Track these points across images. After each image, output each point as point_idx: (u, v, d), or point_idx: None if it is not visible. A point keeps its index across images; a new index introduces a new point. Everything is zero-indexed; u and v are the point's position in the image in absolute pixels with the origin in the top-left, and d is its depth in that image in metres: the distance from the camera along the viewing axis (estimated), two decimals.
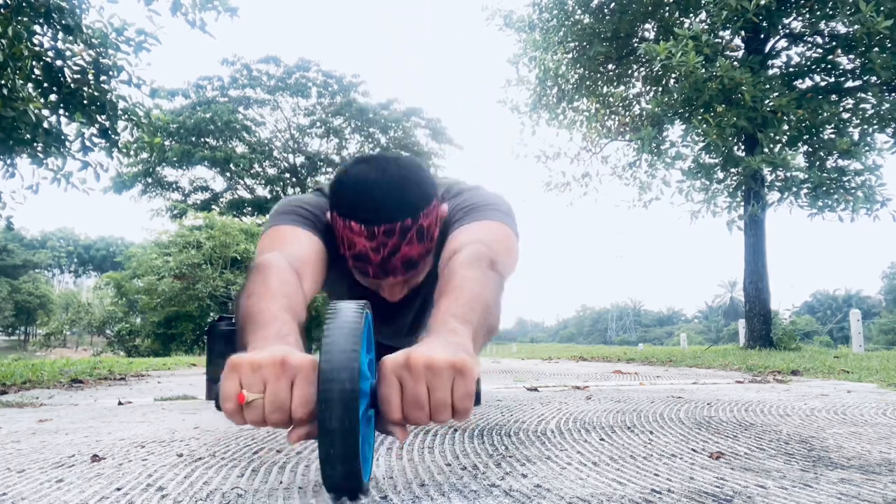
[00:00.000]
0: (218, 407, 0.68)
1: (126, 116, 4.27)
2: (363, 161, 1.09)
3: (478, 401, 0.70)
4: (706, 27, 6.83)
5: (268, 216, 1.27)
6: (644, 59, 7.91)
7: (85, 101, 3.97)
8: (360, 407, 0.62)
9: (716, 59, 6.25)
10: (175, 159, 25.63)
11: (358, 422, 0.62)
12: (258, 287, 0.92)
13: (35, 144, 3.81)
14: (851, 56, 6.99)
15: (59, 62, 3.88)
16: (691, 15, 7.83)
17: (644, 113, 8.59)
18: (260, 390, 0.67)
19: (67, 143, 4.03)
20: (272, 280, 0.94)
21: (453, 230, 1.11)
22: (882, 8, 5.72)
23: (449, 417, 0.68)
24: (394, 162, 1.08)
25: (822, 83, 7.38)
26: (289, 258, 1.03)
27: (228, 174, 28.40)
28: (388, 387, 0.68)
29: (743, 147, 7.49)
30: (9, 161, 3.93)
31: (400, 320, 1.37)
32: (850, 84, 7.20)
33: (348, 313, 0.70)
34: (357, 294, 1.27)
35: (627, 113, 9.14)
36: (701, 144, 7.11)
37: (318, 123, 27.15)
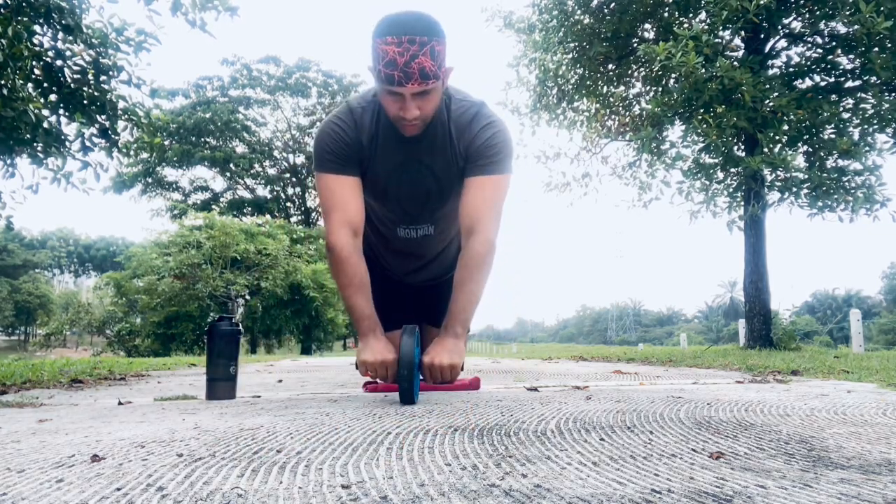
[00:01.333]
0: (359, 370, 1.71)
1: (126, 116, 4.27)
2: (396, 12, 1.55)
3: (462, 369, 1.71)
4: (706, 27, 6.83)
5: (313, 154, 1.76)
6: (644, 60, 7.91)
7: (85, 101, 3.97)
8: (414, 376, 1.59)
9: (716, 59, 6.25)
10: (175, 159, 25.65)
11: (413, 381, 1.59)
12: (343, 277, 1.70)
13: (35, 144, 3.82)
14: (851, 56, 6.99)
15: (59, 62, 3.89)
16: (691, 15, 7.83)
17: (644, 113, 8.60)
18: (381, 376, 1.67)
19: (67, 143, 4.03)
20: (351, 270, 1.69)
21: (471, 173, 1.69)
22: (882, 8, 5.72)
23: (447, 380, 1.68)
24: (416, 10, 1.52)
25: (822, 83, 7.38)
26: (349, 226, 1.69)
27: (228, 174, 28.40)
28: (424, 370, 1.67)
29: (743, 147, 7.49)
30: (9, 161, 3.93)
31: (419, 178, 1.77)
32: (850, 84, 7.20)
33: (412, 332, 1.61)
34: (385, 150, 1.72)
35: (627, 113, 9.14)
36: (701, 145, 7.12)
37: (318, 123, 27.13)
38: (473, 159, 1.68)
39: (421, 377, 1.69)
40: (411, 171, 1.75)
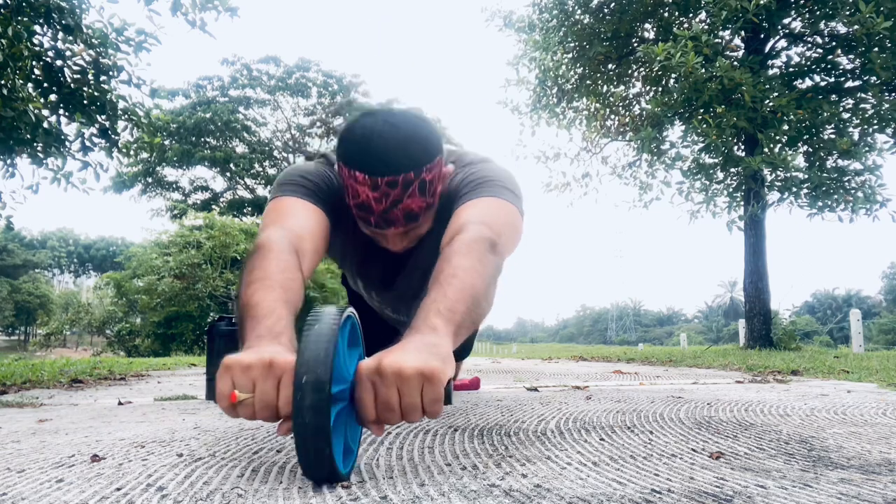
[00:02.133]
0: (211, 399, 0.79)
1: (126, 116, 4.27)
2: (370, 113, 1.11)
3: (448, 400, 0.80)
4: (706, 27, 6.83)
5: (271, 187, 1.29)
6: (644, 60, 7.92)
7: (85, 101, 3.97)
8: (329, 408, 0.68)
9: (715, 59, 6.25)
10: (175, 159, 25.65)
11: (326, 422, 0.68)
12: (257, 273, 0.96)
13: (35, 144, 3.81)
14: (851, 56, 6.99)
15: (59, 62, 3.88)
16: (691, 15, 7.83)
17: (644, 113, 8.60)
18: (250, 390, 0.74)
19: (67, 143, 4.03)
20: (272, 266, 0.98)
21: (460, 203, 1.14)
22: (882, 8, 5.72)
23: (419, 418, 0.75)
24: (400, 115, 1.11)
25: (822, 83, 7.38)
26: (289, 234, 1.08)
27: (228, 174, 28.42)
28: (362, 390, 0.75)
29: (743, 147, 7.50)
30: (9, 161, 3.93)
31: (405, 279, 1.39)
32: (850, 84, 7.20)
33: (327, 318, 0.75)
34: (363, 253, 1.35)
35: (627, 113, 9.14)
36: (701, 145, 7.12)
37: (318, 123, 27.16)
38: (458, 194, 1.18)
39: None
40: (396, 279, 1.39)
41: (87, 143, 4.15)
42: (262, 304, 0.90)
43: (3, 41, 3.32)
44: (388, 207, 1.08)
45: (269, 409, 0.74)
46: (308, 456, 0.70)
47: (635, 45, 8.25)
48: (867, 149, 6.60)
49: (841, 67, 7.20)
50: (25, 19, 3.49)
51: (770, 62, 7.68)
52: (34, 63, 3.74)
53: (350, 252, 1.38)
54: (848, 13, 5.96)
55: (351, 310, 0.82)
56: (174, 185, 28.50)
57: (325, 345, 0.70)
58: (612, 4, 8.07)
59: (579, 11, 8.24)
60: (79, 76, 3.95)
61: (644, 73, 8.78)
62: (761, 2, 6.10)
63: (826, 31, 7.24)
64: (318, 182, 1.21)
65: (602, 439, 1.10)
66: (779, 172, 6.90)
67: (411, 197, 1.08)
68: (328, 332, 0.72)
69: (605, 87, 9.03)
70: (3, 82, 3.47)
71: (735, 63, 6.65)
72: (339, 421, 0.74)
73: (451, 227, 1.08)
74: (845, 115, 6.90)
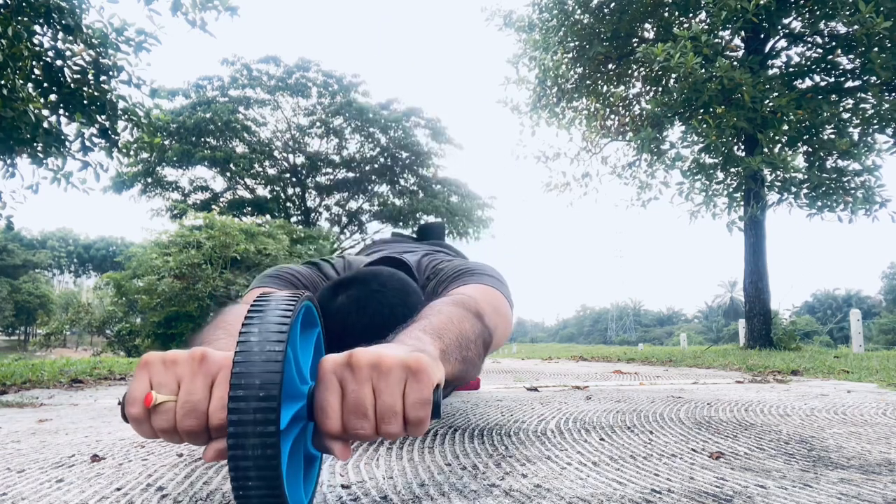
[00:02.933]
0: (124, 417, 0.56)
1: (126, 116, 4.27)
2: (346, 288, 1.03)
3: (437, 413, 0.56)
4: (706, 27, 6.83)
5: (254, 279, 1.21)
6: (643, 60, 7.92)
7: (85, 101, 3.97)
8: (278, 418, 0.49)
9: (715, 59, 6.25)
10: (175, 159, 25.64)
11: (275, 440, 0.49)
12: (210, 327, 0.85)
13: (35, 144, 3.81)
14: (851, 56, 6.99)
15: (59, 62, 3.88)
16: (691, 15, 7.83)
17: (644, 113, 8.60)
18: (173, 391, 0.55)
19: (67, 143, 4.03)
20: (228, 318, 0.86)
21: (443, 294, 1.05)
22: (882, 8, 5.72)
23: (399, 430, 0.55)
24: (373, 297, 1.01)
25: (822, 83, 7.38)
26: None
27: (228, 174, 28.41)
28: (325, 390, 0.55)
29: (742, 147, 7.49)
30: (9, 161, 3.93)
31: None
32: (849, 84, 7.20)
33: (277, 305, 0.55)
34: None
35: (627, 113, 9.14)
36: (700, 145, 7.12)
37: (318, 123, 27.16)
38: (437, 291, 1.12)
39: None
40: None
41: (87, 143, 4.15)
42: (207, 337, 0.80)
43: (3, 41, 3.32)
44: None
45: (195, 417, 0.54)
46: (248, 492, 0.50)
47: (635, 45, 8.24)
48: (867, 149, 6.60)
49: (841, 67, 7.20)
50: (25, 19, 3.49)
51: (770, 62, 7.68)
52: (34, 63, 3.74)
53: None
54: (848, 13, 5.96)
55: (309, 295, 0.63)
56: (174, 185, 28.49)
57: (275, 336, 0.52)
58: (612, 4, 8.07)
59: (579, 11, 8.24)
60: (79, 76, 3.95)
61: (644, 73, 8.78)
62: (761, 2, 6.10)
63: (826, 31, 7.24)
64: (304, 283, 1.16)
65: (602, 439, 1.10)
66: (778, 173, 6.90)
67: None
68: (278, 320, 0.53)
69: (605, 87, 9.03)
70: (3, 82, 3.47)
71: (735, 63, 6.64)
72: (295, 440, 0.57)
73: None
74: (845, 116, 6.90)
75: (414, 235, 1.86)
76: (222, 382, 0.55)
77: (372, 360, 0.55)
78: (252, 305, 0.56)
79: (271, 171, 28.72)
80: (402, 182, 25.39)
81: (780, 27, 7.30)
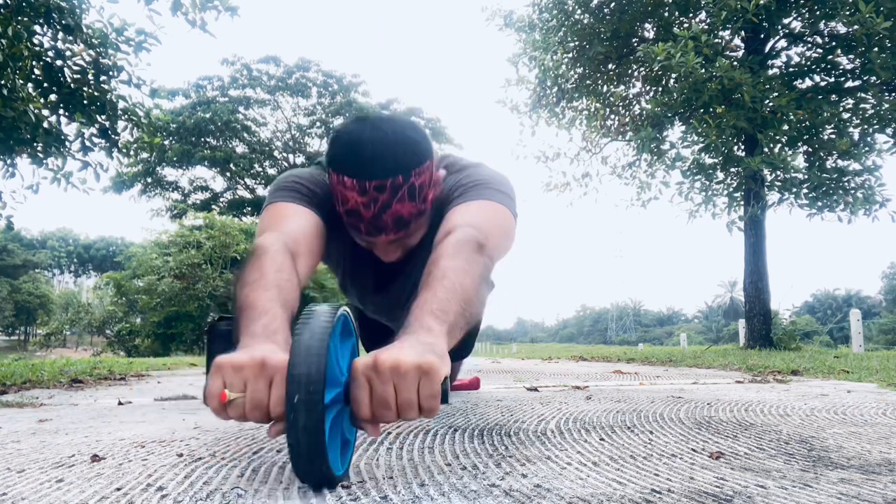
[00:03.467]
0: (205, 402, 0.74)
1: (126, 116, 4.27)
2: (360, 120, 1.12)
3: (445, 399, 0.74)
4: (706, 27, 6.83)
5: (267, 191, 1.27)
6: (644, 60, 7.92)
7: (85, 101, 3.97)
8: (323, 406, 0.66)
9: (715, 59, 6.25)
10: (175, 159, 25.64)
11: (320, 421, 0.66)
12: (253, 274, 0.97)
13: (35, 144, 3.81)
14: (851, 56, 6.99)
15: (59, 62, 3.88)
16: (691, 15, 7.83)
17: (644, 113, 8.60)
18: (241, 390, 0.72)
19: (67, 143, 4.03)
20: (267, 267, 0.98)
21: (451, 207, 1.14)
22: (881, 8, 5.72)
23: (416, 416, 0.73)
24: (388, 121, 1.10)
25: (822, 83, 7.38)
26: (285, 238, 1.07)
27: (228, 174, 28.41)
28: (357, 388, 0.73)
29: (742, 147, 7.49)
30: (9, 161, 3.93)
31: (398, 287, 1.38)
32: (849, 84, 7.20)
33: (320, 317, 0.73)
34: (356, 262, 1.35)
35: (627, 113, 9.14)
36: (700, 145, 7.12)
37: (318, 123, 27.17)
38: (450, 198, 1.18)
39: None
40: (389, 288, 1.39)
41: (87, 143, 4.15)
42: (256, 303, 0.90)
43: (3, 41, 3.32)
44: (378, 213, 1.08)
45: (259, 410, 0.72)
46: (301, 458, 0.68)
47: (635, 44, 8.25)
48: (867, 149, 6.60)
49: (841, 67, 7.20)
50: (25, 19, 3.49)
51: (770, 62, 7.68)
52: (34, 63, 3.74)
53: (344, 260, 1.38)
54: (848, 13, 5.96)
55: (345, 307, 0.80)
56: (174, 185, 28.49)
57: (319, 343, 0.69)
58: (612, 4, 8.07)
59: (579, 11, 8.24)
60: (79, 76, 3.95)
61: (644, 73, 8.78)
62: (761, 2, 6.10)
63: (826, 31, 7.25)
64: (312, 188, 1.21)
65: (602, 439, 1.10)
66: (778, 173, 6.91)
67: (401, 202, 1.08)
68: (321, 329, 0.71)
69: (605, 87, 9.03)
70: (3, 82, 3.47)
71: (735, 63, 6.64)
72: (334, 421, 0.74)
73: (441, 230, 1.07)
74: (845, 116, 6.90)
75: None
76: (279, 382, 0.72)
77: (392, 365, 0.71)
78: (301, 317, 0.74)
79: (271, 171, 28.70)
80: None
81: (779, 27, 7.31)
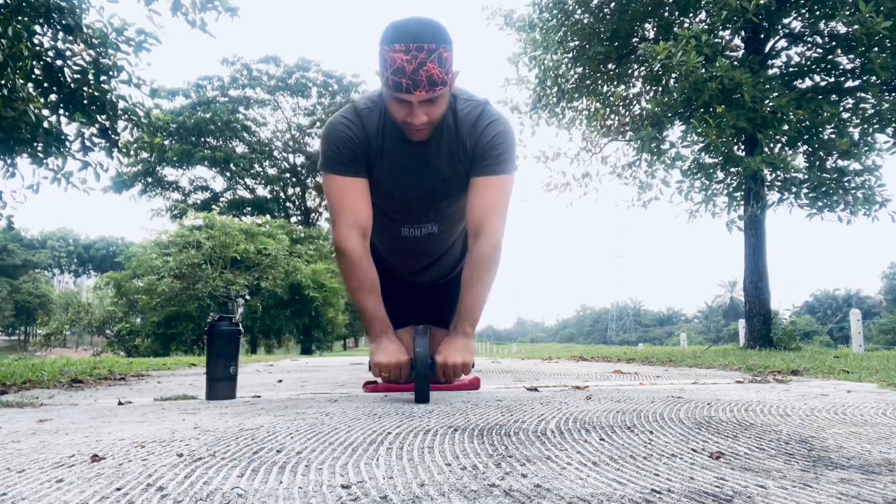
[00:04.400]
0: (370, 370, 1.81)
1: (126, 116, 4.27)
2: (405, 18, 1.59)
3: (468, 372, 1.83)
4: (706, 27, 6.83)
5: (319, 154, 1.77)
6: (644, 59, 7.91)
7: (85, 101, 3.97)
8: (428, 372, 1.64)
9: (716, 59, 6.25)
10: (175, 159, 25.64)
11: (427, 378, 1.64)
12: (354, 282, 1.74)
13: (35, 144, 3.81)
14: (851, 56, 6.98)
15: (59, 62, 3.88)
16: (691, 15, 7.83)
17: (644, 113, 8.60)
18: (392, 375, 1.77)
19: (67, 143, 4.03)
20: (360, 273, 1.72)
21: (477, 173, 1.71)
22: (882, 8, 5.71)
23: (458, 378, 1.85)
24: (425, 18, 1.56)
25: (822, 83, 7.38)
26: (356, 227, 1.70)
27: (228, 174, 28.40)
28: (438, 370, 1.77)
29: (743, 147, 7.49)
30: (9, 161, 3.93)
31: (424, 180, 1.78)
32: (849, 84, 7.20)
33: (422, 333, 1.66)
34: (392, 157, 1.74)
35: (627, 112, 9.14)
36: (700, 145, 7.11)
37: (318, 123, 27.16)
38: (479, 159, 1.70)
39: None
40: (417, 172, 1.76)
41: (88, 143, 4.15)
42: (368, 308, 1.75)
43: (4, 41, 3.32)
44: (417, 68, 1.47)
45: (398, 380, 1.80)
46: (420, 394, 1.63)
47: (635, 44, 8.24)
48: (867, 149, 6.59)
49: (841, 67, 7.19)
50: (25, 19, 3.49)
51: (770, 62, 7.67)
52: (34, 63, 3.74)
53: (383, 163, 1.74)
54: (848, 13, 5.96)
55: (427, 327, 1.72)
56: (174, 185, 28.48)
57: (425, 349, 1.64)
58: (612, 4, 8.06)
59: (579, 11, 8.23)
60: (79, 76, 3.95)
61: (644, 72, 8.78)
62: (761, 2, 6.10)
63: (826, 31, 7.24)
64: (352, 149, 1.70)
65: (602, 439, 1.10)
66: (779, 172, 6.90)
67: (433, 63, 1.48)
68: (424, 342, 1.64)
69: (605, 87, 9.03)
70: (3, 82, 3.47)
71: (735, 63, 6.64)
72: (427, 378, 1.65)
73: (470, 216, 1.72)
74: (845, 116, 6.89)
75: None
76: (406, 368, 1.76)
77: (452, 364, 1.76)
78: (416, 331, 1.69)
79: (271, 171, 28.71)
80: None
81: (780, 27, 7.30)
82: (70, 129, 4.10)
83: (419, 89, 1.50)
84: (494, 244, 1.71)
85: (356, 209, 1.70)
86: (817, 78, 7.46)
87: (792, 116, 6.50)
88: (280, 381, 3.06)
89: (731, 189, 7.30)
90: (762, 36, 7.50)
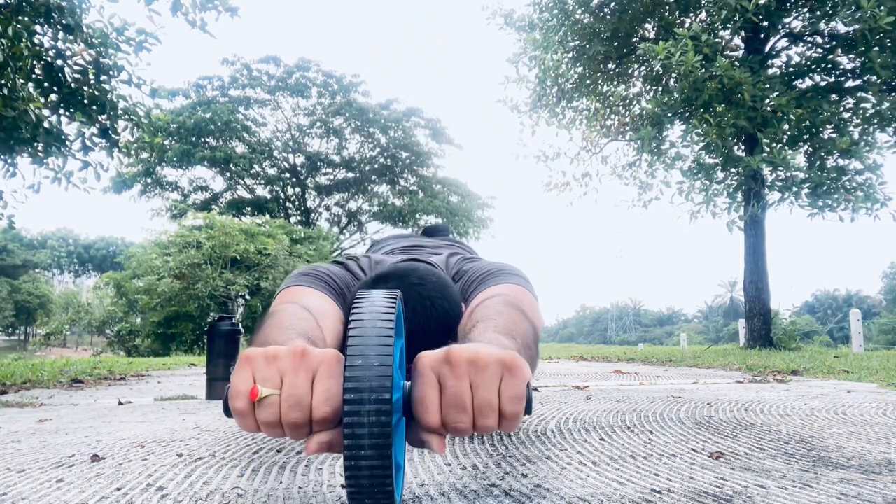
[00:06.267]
0: (227, 411, 0.58)
1: (126, 116, 4.27)
2: (385, 281, 1.00)
3: (529, 409, 0.60)
4: (706, 27, 6.82)
5: (285, 280, 1.20)
6: (644, 59, 7.91)
7: (85, 101, 3.97)
8: (391, 409, 0.52)
9: (715, 58, 6.25)
10: (175, 159, 25.63)
11: (388, 428, 0.51)
12: (270, 327, 0.83)
13: (36, 144, 3.81)
14: (851, 56, 6.98)
15: (59, 62, 3.88)
16: (691, 14, 7.83)
17: (644, 113, 8.60)
18: (276, 385, 0.58)
19: (68, 143, 4.03)
20: (286, 319, 0.86)
21: (475, 294, 1.07)
22: (882, 7, 5.71)
23: (495, 424, 0.58)
24: (417, 289, 0.99)
25: (823, 83, 7.37)
26: (305, 309, 0.94)
27: (228, 174, 28.40)
28: (424, 385, 0.58)
29: (743, 147, 7.49)
30: (10, 160, 3.93)
31: None
32: (850, 83, 7.20)
33: (379, 301, 0.59)
34: None
35: (627, 112, 9.14)
36: (701, 144, 7.11)
37: (318, 123, 27.17)
38: (468, 290, 1.13)
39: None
40: None
41: (88, 143, 4.15)
42: (271, 337, 0.78)
43: (4, 41, 3.32)
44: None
45: (300, 409, 0.57)
46: (362, 483, 0.53)
47: (635, 44, 8.24)
48: (867, 148, 6.59)
49: (841, 67, 7.19)
50: (26, 19, 3.49)
51: (770, 62, 7.67)
52: (35, 63, 3.74)
53: None
54: (850, 11, 5.95)
55: (399, 293, 0.65)
56: (174, 185, 28.49)
57: (383, 330, 0.55)
58: (612, 4, 8.06)
59: (579, 11, 8.23)
60: (79, 76, 3.95)
61: (644, 72, 8.78)
62: (761, 1, 6.10)
63: (826, 31, 7.24)
64: (337, 282, 1.14)
65: (602, 439, 1.10)
66: (779, 172, 6.90)
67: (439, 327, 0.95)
68: (385, 314, 0.57)
69: (605, 87, 9.03)
70: (3, 82, 3.47)
71: (735, 62, 6.64)
72: (395, 435, 0.56)
73: (470, 308, 0.97)
74: (846, 115, 6.89)
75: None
76: (323, 376, 0.58)
77: (470, 357, 0.58)
78: (356, 301, 0.60)
79: (271, 171, 28.71)
80: (402, 182, 25.39)
81: (780, 27, 7.30)
82: (70, 128, 4.10)
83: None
84: (518, 304, 0.94)
85: (315, 305, 1.03)
86: (817, 77, 7.45)
87: (792, 116, 6.50)
88: None
89: (731, 189, 7.30)
90: (762, 36, 7.50)
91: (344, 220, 27.06)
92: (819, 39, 7.40)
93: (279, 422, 0.57)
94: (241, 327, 1.95)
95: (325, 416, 0.57)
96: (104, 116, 4.08)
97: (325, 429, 0.58)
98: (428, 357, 0.59)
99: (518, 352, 0.67)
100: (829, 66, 7.19)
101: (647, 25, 8.49)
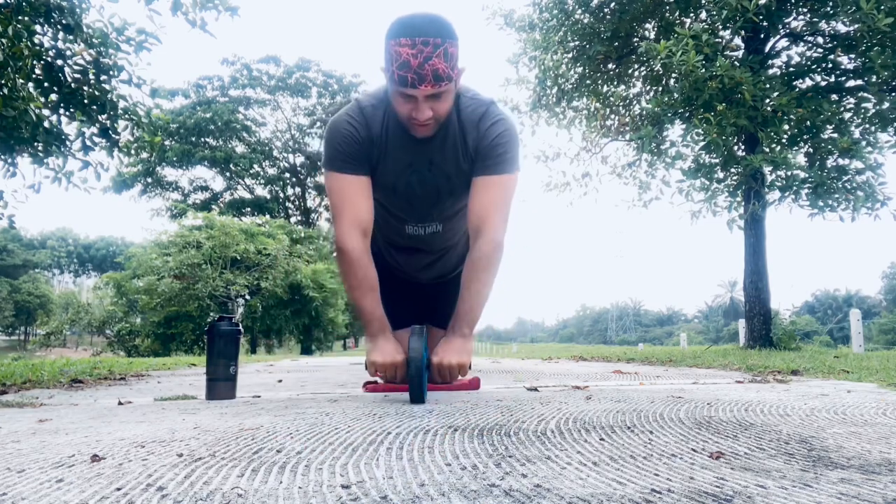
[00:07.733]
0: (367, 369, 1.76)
1: (126, 116, 4.27)
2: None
3: (465, 374, 1.78)
4: (706, 26, 6.83)
5: (323, 152, 1.77)
6: (644, 59, 7.92)
7: (85, 101, 3.97)
8: (423, 373, 1.62)
9: (716, 58, 6.25)
10: (175, 159, 25.64)
11: (423, 379, 1.62)
12: (352, 280, 1.72)
13: (36, 144, 3.82)
14: (852, 55, 6.99)
15: (59, 62, 3.89)
16: (691, 14, 7.83)
17: (644, 112, 8.60)
18: (387, 375, 1.74)
19: (68, 143, 4.04)
20: (359, 272, 1.71)
21: (480, 172, 1.70)
22: (882, 7, 5.71)
23: (452, 380, 1.75)
24: (432, 14, 1.54)
25: (823, 83, 7.38)
26: (356, 226, 1.69)
27: (228, 174, 28.40)
28: (434, 369, 1.71)
29: (743, 146, 7.49)
30: (10, 160, 3.93)
31: (428, 181, 1.77)
32: (850, 83, 7.20)
33: (418, 333, 1.63)
34: (396, 156, 1.72)
35: (627, 112, 9.14)
36: (701, 144, 7.11)
37: (318, 123, 27.17)
38: (482, 158, 1.69)
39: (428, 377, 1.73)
40: (421, 170, 1.74)
41: (88, 143, 4.15)
42: (367, 307, 1.73)
43: (4, 41, 3.32)
44: (422, 62, 1.46)
45: (394, 380, 1.76)
46: (414, 394, 1.62)
47: (636, 44, 8.24)
48: (868, 148, 6.59)
49: (841, 67, 7.19)
50: (26, 19, 3.49)
51: (770, 62, 7.68)
52: (35, 62, 3.74)
53: (386, 162, 1.73)
54: (849, 11, 5.95)
55: (424, 327, 1.68)
56: (174, 185, 28.49)
57: (419, 347, 1.59)
58: (613, 4, 8.07)
59: (579, 11, 8.24)
60: (79, 76, 3.95)
61: (644, 72, 8.78)
62: (761, 1, 6.10)
63: (826, 31, 7.24)
64: (355, 147, 1.69)
65: (602, 439, 1.10)
66: (780, 171, 6.90)
67: (438, 58, 1.47)
68: (420, 342, 1.60)
69: (605, 87, 9.03)
70: (3, 82, 3.47)
71: (735, 62, 6.64)
72: (424, 380, 1.64)
73: (471, 215, 1.70)
74: (846, 115, 6.89)
75: None
76: (401, 367, 1.71)
77: (448, 364, 1.70)
78: (412, 334, 1.63)
79: (271, 171, 28.71)
80: None
81: (780, 26, 7.30)
82: (70, 128, 4.10)
83: (424, 84, 1.49)
84: (495, 243, 1.68)
85: (357, 207, 1.69)
86: (818, 77, 7.46)
87: (792, 115, 6.50)
88: (280, 381, 3.06)
89: (731, 188, 7.30)
90: (762, 35, 7.50)
91: None
92: (819, 39, 7.40)
93: (386, 380, 1.80)
94: (241, 327, 1.95)
95: (402, 378, 1.72)
96: (104, 116, 4.09)
97: (402, 381, 1.72)
98: (435, 360, 1.70)
99: (474, 322, 1.75)
100: (830, 65, 7.20)
101: (648, 25, 8.49)
